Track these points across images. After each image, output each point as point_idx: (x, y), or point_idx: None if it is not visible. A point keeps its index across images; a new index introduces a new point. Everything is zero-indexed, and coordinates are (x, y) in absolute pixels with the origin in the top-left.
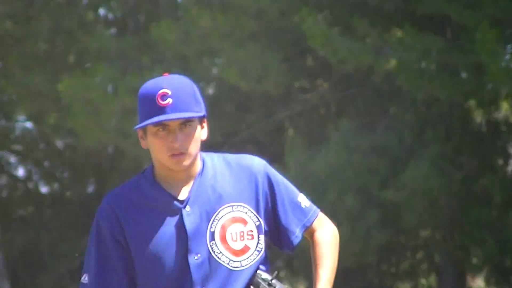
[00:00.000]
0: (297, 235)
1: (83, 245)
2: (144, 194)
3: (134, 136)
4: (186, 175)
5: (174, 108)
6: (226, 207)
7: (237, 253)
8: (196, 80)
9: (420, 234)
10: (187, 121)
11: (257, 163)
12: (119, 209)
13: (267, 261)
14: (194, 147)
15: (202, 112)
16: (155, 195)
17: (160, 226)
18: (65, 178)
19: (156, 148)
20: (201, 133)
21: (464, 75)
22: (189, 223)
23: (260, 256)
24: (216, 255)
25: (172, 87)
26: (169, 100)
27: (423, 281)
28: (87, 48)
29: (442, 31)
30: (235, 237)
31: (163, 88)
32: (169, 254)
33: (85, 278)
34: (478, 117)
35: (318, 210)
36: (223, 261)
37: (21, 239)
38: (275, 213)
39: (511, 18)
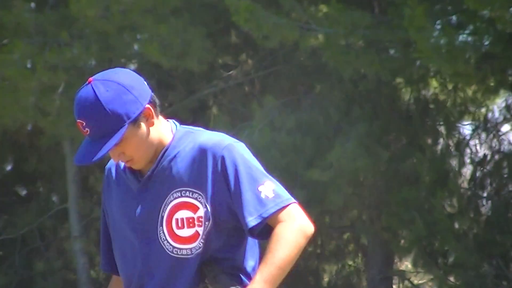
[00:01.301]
0: (248, 221)
1: (1, 225)
2: (124, 167)
3: (53, 114)
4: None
5: (94, 137)
6: (176, 191)
7: (183, 240)
8: (117, 57)
9: (347, 215)
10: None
11: (218, 144)
12: (108, 174)
13: (245, 250)
14: (139, 149)
15: (125, 122)
16: (128, 170)
17: (121, 205)
18: None
19: None
20: (145, 126)
21: (392, 51)
22: (141, 206)
23: (208, 244)
24: (162, 242)
25: (84, 115)
26: (87, 130)
27: (350, 262)
28: (5, 24)
29: (369, 7)
30: (181, 223)
31: (78, 118)
32: (122, 237)
33: None
34: (406, 95)
35: (288, 202)
36: (167, 248)
37: None
38: (232, 199)
39: None
